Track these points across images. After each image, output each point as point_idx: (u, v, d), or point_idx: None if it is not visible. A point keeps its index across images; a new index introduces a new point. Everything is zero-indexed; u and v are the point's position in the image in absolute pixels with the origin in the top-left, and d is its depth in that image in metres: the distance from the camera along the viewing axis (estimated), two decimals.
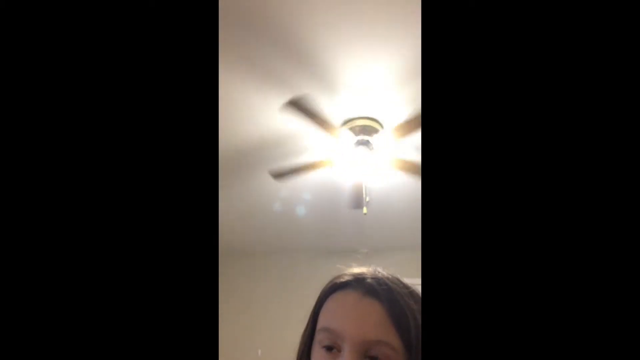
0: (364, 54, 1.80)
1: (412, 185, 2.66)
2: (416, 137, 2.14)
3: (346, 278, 0.56)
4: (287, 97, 1.94)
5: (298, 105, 1.89)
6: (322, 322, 0.54)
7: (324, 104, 2.01)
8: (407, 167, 2.25)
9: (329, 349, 0.52)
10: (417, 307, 0.53)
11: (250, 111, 2.12)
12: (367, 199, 2.41)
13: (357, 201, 2.45)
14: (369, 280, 0.55)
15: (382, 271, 0.58)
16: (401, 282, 0.57)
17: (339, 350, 0.51)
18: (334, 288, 0.56)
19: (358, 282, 0.55)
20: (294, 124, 2.13)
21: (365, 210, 2.41)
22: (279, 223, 3.29)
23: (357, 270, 0.58)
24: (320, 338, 0.53)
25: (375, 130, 2.17)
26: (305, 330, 0.58)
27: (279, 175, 2.36)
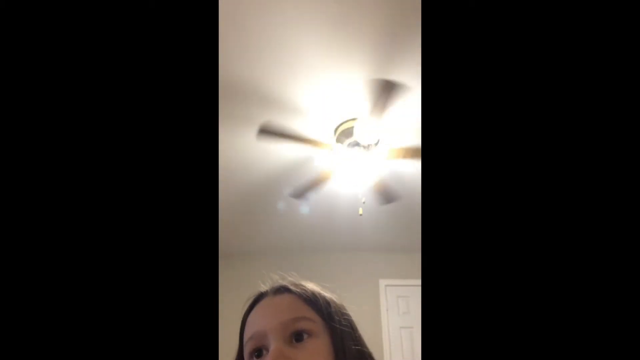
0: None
1: (410, 187, 2.67)
2: (396, 121, 2.15)
3: (258, 293, 0.59)
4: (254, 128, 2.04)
5: (268, 130, 1.98)
6: (246, 336, 0.55)
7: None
8: (402, 154, 2.25)
9: (258, 354, 0.52)
10: (327, 295, 0.57)
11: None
12: (363, 200, 2.41)
13: (388, 196, 2.47)
14: (278, 285, 0.58)
15: (299, 281, 0.60)
16: (310, 287, 0.59)
17: (267, 349, 0.51)
18: (249, 308, 0.58)
19: (268, 290, 0.58)
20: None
21: (360, 211, 2.42)
22: (277, 222, 3.29)
23: (270, 283, 0.60)
24: (248, 349, 0.53)
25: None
26: (236, 355, 0.58)
27: (299, 195, 2.46)
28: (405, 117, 2.16)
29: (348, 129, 2.18)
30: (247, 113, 2.08)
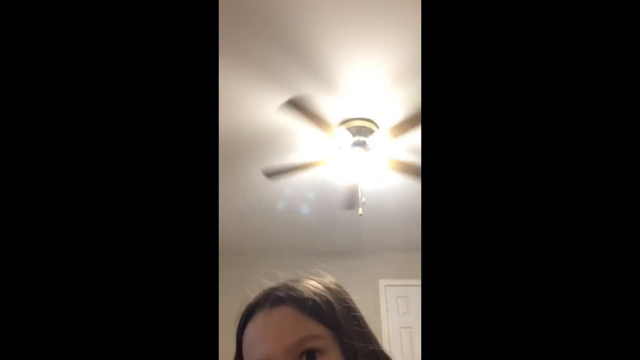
0: (362, 55, 1.81)
1: (408, 187, 2.67)
2: (411, 138, 2.15)
3: (251, 303, 0.53)
4: (285, 95, 1.94)
5: (296, 105, 1.90)
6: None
7: (321, 104, 2.02)
8: (403, 168, 2.25)
9: None
10: (326, 290, 0.52)
11: (247, 108, 2.13)
12: (363, 200, 2.41)
13: (352, 202, 2.45)
14: (272, 292, 0.53)
15: (292, 277, 0.56)
16: (305, 277, 0.55)
17: None
18: (243, 321, 0.53)
19: (262, 300, 0.52)
20: (290, 122, 2.14)
21: (360, 211, 2.41)
22: (276, 222, 3.28)
23: (260, 291, 0.55)
24: None
25: (371, 131, 2.18)
26: None
27: (272, 174, 2.36)
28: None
29: (359, 127, 2.15)
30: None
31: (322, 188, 2.74)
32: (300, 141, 2.34)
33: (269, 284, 0.56)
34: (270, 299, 0.52)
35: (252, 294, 0.55)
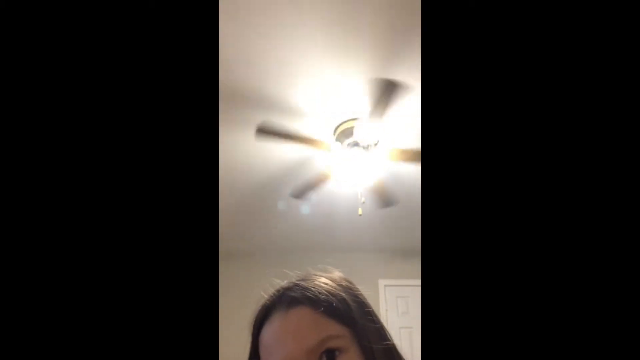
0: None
1: (408, 187, 2.67)
2: (397, 121, 2.15)
3: (267, 304, 0.53)
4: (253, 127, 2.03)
5: (266, 130, 1.98)
6: None
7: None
8: (402, 156, 2.25)
9: None
10: (340, 288, 0.52)
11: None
12: (363, 200, 2.41)
13: (386, 200, 2.47)
14: (286, 293, 0.53)
15: (302, 275, 0.56)
16: (316, 275, 0.55)
17: None
18: (259, 322, 0.53)
19: (277, 301, 0.52)
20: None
21: (360, 211, 2.41)
22: (278, 223, 3.29)
23: (274, 289, 0.55)
24: None
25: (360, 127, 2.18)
26: None
27: (299, 195, 2.45)
28: (406, 118, 2.16)
29: (348, 129, 2.17)
30: (245, 114, 2.07)
31: (326, 190, 2.74)
32: (305, 162, 2.41)
33: (280, 283, 0.55)
34: (286, 300, 0.52)
35: (264, 294, 0.55)
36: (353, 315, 0.50)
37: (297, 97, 1.98)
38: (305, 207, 2.97)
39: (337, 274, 0.57)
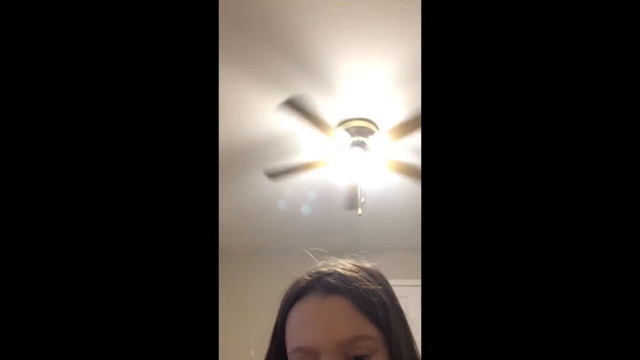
0: (362, 55, 1.80)
1: (407, 188, 2.67)
2: (411, 140, 2.15)
3: (302, 283, 0.52)
4: (284, 96, 1.93)
5: (294, 105, 1.90)
6: (291, 342, 0.49)
7: (320, 104, 2.02)
8: (402, 169, 2.25)
9: None
10: (380, 287, 0.51)
11: (247, 110, 2.13)
12: (362, 200, 2.41)
13: (352, 202, 2.46)
14: (325, 278, 0.51)
15: (342, 263, 0.55)
16: (357, 267, 0.54)
17: None
18: (292, 299, 0.51)
19: (315, 283, 0.51)
20: (289, 124, 2.14)
21: (360, 211, 2.41)
22: (275, 223, 3.28)
23: (314, 270, 0.54)
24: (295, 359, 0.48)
25: (371, 132, 2.18)
26: (270, 353, 0.53)
27: (273, 174, 2.36)
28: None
29: (358, 127, 2.14)
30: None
31: (323, 188, 2.74)
32: (300, 143, 2.34)
33: (319, 265, 0.54)
34: (324, 285, 0.50)
35: (298, 274, 0.54)
36: (389, 319, 0.49)
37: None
38: (305, 207, 2.97)
39: (374, 268, 0.55)
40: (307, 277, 0.53)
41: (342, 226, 3.25)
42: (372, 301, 0.49)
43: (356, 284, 0.50)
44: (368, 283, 0.51)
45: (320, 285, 0.50)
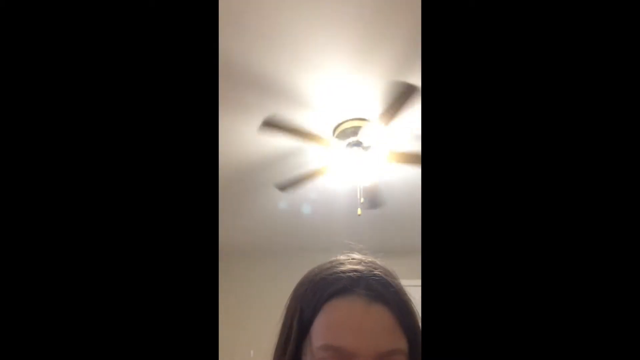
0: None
1: (407, 187, 2.67)
2: (405, 124, 2.14)
3: (343, 280, 0.50)
4: (260, 119, 2.00)
5: (273, 124, 1.96)
6: (323, 337, 0.48)
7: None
8: (403, 159, 2.25)
9: None
10: (405, 291, 0.51)
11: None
12: (362, 200, 2.41)
13: (373, 201, 2.47)
14: (370, 281, 0.50)
15: (375, 263, 0.54)
16: (393, 275, 0.53)
17: None
18: (330, 294, 0.49)
19: (357, 284, 0.49)
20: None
21: (359, 211, 2.41)
22: (278, 225, 3.29)
23: (349, 265, 0.52)
24: (322, 356, 0.47)
25: (364, 125, 2.17)
26: (287, 341, 0.51)
27: (283, 187, 2.45)
28: (413, 123, 2.14)
29: (350, 128, 2.15)
30: (252, 101, 2.01)
31: (323, 188, 2.74)
32: (304, 155, 2.41)
33: (354, 256, 0.53)
34: (368, 288, 0.49)
35: (333, 267, 0.52)
36: (417, 334, 0.49)
37: (305, 87, 1.94)
38: (306, 207, 2.97)
39: (387, 267, 0.54)
40: (344, 274, 0.51)
41: (342, 226, 3.25)
42: (410, 314, 0.49)
43: (395, 293, 0.50)
44: (403, 293, 0.51)
45: (364, 287, 0.49)
